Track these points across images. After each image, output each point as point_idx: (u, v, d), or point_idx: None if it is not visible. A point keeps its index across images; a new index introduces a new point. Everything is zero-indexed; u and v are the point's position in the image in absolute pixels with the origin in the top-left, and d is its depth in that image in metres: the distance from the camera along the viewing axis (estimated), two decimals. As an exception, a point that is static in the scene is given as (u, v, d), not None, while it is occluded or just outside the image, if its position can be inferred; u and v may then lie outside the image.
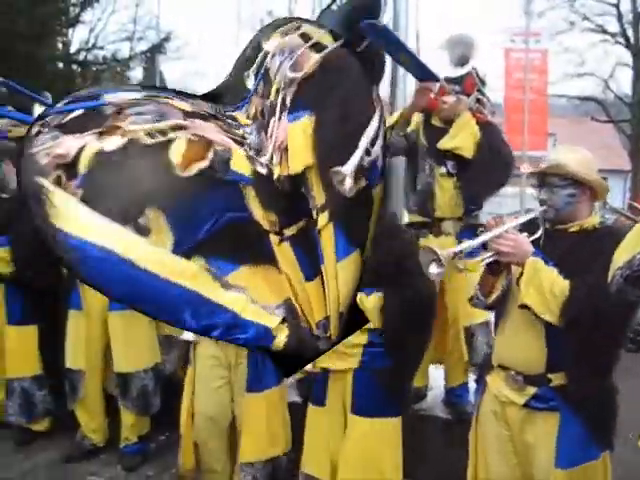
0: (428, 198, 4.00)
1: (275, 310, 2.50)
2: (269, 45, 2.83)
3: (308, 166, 2.56)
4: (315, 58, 2.73)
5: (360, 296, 2.85)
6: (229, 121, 2.75)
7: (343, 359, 3.19)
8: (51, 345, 4.49)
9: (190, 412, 3.61)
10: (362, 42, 2.94)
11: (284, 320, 2.48)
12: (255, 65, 2.83)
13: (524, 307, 2.63)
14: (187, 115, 2.67)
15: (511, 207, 10.31)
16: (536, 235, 2.73)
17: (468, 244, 2.66)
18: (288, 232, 2.62)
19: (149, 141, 2.52)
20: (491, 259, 2.69)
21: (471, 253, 2.68)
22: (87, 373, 4.19)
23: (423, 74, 3.38)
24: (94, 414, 4.29)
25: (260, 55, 2.84)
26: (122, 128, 2.52)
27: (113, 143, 2.47)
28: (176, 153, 2.53)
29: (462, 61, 3.96)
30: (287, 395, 3.73)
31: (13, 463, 4.23)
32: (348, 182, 2.44)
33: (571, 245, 2.67)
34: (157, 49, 15.35)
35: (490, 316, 3.54)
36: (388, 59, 3.18)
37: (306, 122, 2.59)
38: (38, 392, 4.49)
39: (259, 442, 3.49)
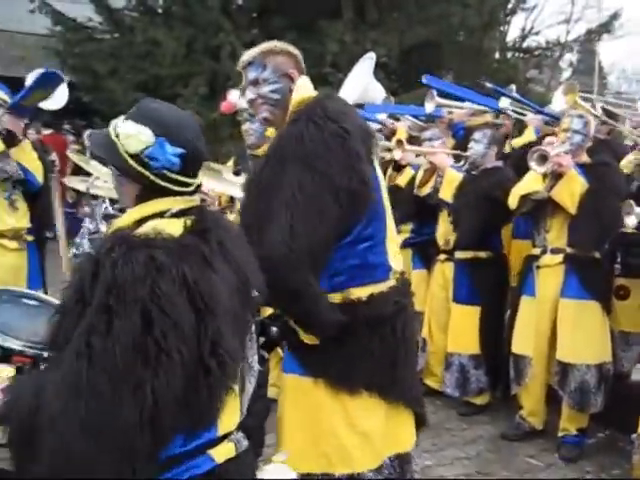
0: None
1: None
2: None
3: None
4: None
5: None
6: None
7: None
8: (492, 327, 4.66)
9: None
10: None
11: None
12: None
13: None
14: None
15: None
16: None
17: None
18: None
19: None
20: None
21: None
22: (534, 359, 4.20)
23: None
24: (535, 399, 4.31)
25: None
26: None
27: None
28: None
29: None
30: None
31: (457, 430, 4.52)
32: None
33: None
34: (604, 28, 14.43)
35: None
36: None
37: None
38: (474, 370, 4.69)
39: None
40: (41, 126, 10.19)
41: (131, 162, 1.67)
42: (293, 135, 2.14)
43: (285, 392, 2.38)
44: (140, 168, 1.67)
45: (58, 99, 4.12)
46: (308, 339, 2.28)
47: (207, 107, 9.27)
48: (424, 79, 5.65)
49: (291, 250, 2.06)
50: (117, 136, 1.68)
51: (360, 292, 2.24)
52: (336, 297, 2.23)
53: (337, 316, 2.17)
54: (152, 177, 1.68)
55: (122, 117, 1.73)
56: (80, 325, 1.46)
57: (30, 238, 4.32)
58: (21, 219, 4.18)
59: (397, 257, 2.39)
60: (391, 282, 2.32)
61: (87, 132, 10.34)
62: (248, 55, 2.33)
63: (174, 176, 1.69)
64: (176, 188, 1.70)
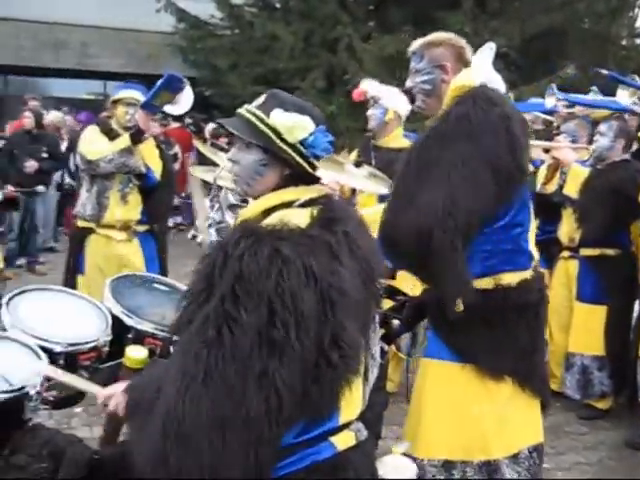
0: None
1: None
2: None
3: None
4: None
5: None
6: None
7: None
8: (618, 328, 4.45)
9: None
10: None
11: None
12: None
13: None
14: None
15: None
16: None
17: None
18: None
19: None
20: None
21: None
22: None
23: None
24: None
25: None
26: None
27: None
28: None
29: None
30: None
31: (576, 434, 4.34)
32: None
33: None
34: None
35: None
36: None
37: None
38: (597, 372, 4.50)
39: None
40: (171, 119, 10.67)
41: (289, 151, 1.71)
42: (459, 115, 2.23)
43: (428, 378, 2.42)
44: (297, 156, 1.71)
45: (183, 104, 4.32)
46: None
47: (324, 100, 9.37)
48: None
49: (449, 214, 2.11)
50: (267, 125, 1.71)
51: (510, 278, 2.31)
52: (488, 282, 2.30)
53: (467, 289, 2.19)
54: (305, 165, 1.72)
55: (257, 107, 1.76)
56: (204, 312, 1.49)
57: (142, 228, 4.57)
58: (130, 211, 4.46)
59: (534, 246, 2.45)
60: (533, 270, 2.39)
61: (209, 125, 10.67)
62: (413, 45, 2.49)
63: (315, 163, 1.75)
64: (317, 175, 1.76)
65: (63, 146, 9.47)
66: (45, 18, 14.03)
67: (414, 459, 2.35)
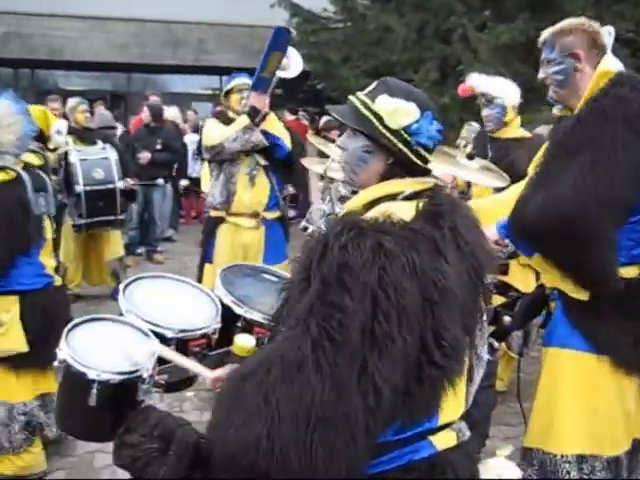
0: None
1: None
2: None
3: None
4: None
5: None
6: None
7: None
8: None
9: None
10: None
11: None
12: None
13: None
14: None
15: None
16: None
17: None
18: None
19: None
20: None
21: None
22: None
23: None
24: None
25: None
26: None
27: None
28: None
29: None
30: None
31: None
32: None
33: None
34: None
35: None
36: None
37: None
38: None
39: None
40: (287, 112, 10.89)
41: (391, 137, 1.67)
42: (617, 96, 2.19)
43: (562, 368, 2.37)
44: (400, 144, 1.67)
45: (293, 67, 4.33)
46: (577, 294, 2.27)
47: (437, 92, 9.20)
48: None
49: (599, 203, 2.10)
50: (371, 110, 1.69)
51: None
52: (632, 271, 2.25)
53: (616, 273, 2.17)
54: (409, 153, 1.68)
55: (365, 94, 1.74)
56: (303, 303, 1.48)
57: (271, 216, 4.61)
58: (258, 195, 4.52)
59: None
60: None
61: (323, 118, 10.74)
62: (543, 35, 2.44)
63: (424, 153, 1.70)
64: (423, 165, 1.71)
65: (189, 140, 9.91)
66: (165, 17, 14.68)
67: (543, 453, 2.34)
